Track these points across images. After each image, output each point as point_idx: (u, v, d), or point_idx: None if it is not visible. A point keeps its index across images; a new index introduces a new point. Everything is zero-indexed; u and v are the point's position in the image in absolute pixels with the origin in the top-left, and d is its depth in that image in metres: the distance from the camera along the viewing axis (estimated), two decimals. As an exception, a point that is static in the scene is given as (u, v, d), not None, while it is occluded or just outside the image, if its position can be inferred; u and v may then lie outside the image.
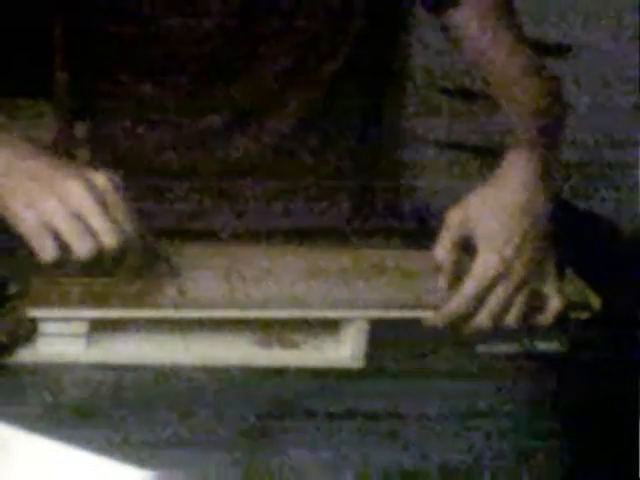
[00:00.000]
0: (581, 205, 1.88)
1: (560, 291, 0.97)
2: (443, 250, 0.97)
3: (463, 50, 1.16)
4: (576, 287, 1.01)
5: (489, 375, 0.96)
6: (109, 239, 0.88)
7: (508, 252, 0.95)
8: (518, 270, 0.95)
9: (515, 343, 0.99)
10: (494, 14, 1.14)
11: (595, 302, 0.99)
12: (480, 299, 0.94)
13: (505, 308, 0.95)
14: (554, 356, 0.99)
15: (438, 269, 0.97)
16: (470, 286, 0.94)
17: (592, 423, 1.00)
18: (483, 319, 0.95)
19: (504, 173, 0.99)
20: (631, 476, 0.97)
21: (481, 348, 0.98)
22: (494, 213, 0.97)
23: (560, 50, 1.83)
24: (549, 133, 1.05)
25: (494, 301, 0.94)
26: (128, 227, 0.90)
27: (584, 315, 0.99)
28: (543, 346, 0.99)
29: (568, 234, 1.03)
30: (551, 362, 0.98)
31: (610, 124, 1.93)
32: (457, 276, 0.96)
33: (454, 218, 0.97)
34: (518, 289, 0.95)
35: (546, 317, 0.97)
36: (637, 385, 1.06)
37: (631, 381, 1.07)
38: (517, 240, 0.96)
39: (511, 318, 0.95)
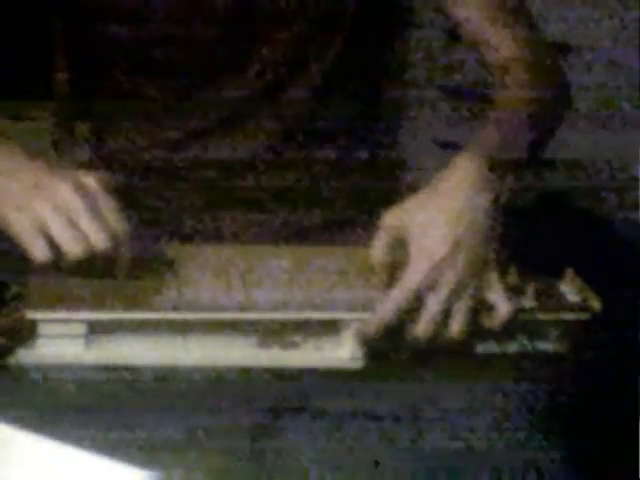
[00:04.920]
0: (581, 205, 1.88)
1: (509, 297, 0.94)
2: (376, 251, 0.96)
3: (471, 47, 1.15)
4: (576, 287, 1.01)
5: (489, 375, 0.96)
6: (99, 239, 0.89)
7: (439, 259, 0.92)
8: (452, 278, 0.92)
9: (515, 343, 0.99)
10: (497, 10, 1.13)
11: (595, 303, 0.99)
12: (411, 307, 0.92)
13: (443, 317, 0.92)
14: (554, 356, 0.99)
15: (373, 271, 0.96)
16: (397, 294, 0.92)
17: (592, 423, 1.00)
18: (421, 328, 0.92)
19: (444, 178, 0.97)
20: (631, 476, 0.97)
21: (481, 348, 0.98)
22: (428, 218, 0.94)
23: (560, 50, 1.83)
24: (528, 139, 1.03)
25: (428, 310, 0.91)
26: (118, 226, 0.91)
27: (584, 316, 0.99)
28: (543, 346, 0.99)
29: (568, 234, 1.03)
30: (551, 362, 0.98)
31: (610, 124, 1.93)
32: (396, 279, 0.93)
33: (389, 220, 0.96)
34: (454, 297, 0.92)
35: (494, 323, 0.94)
36: (637, 385, 1.06)
37: (631, 381, 1.07)
38: (449, 247, 0.92)
39: (454, 327, 0.92)
